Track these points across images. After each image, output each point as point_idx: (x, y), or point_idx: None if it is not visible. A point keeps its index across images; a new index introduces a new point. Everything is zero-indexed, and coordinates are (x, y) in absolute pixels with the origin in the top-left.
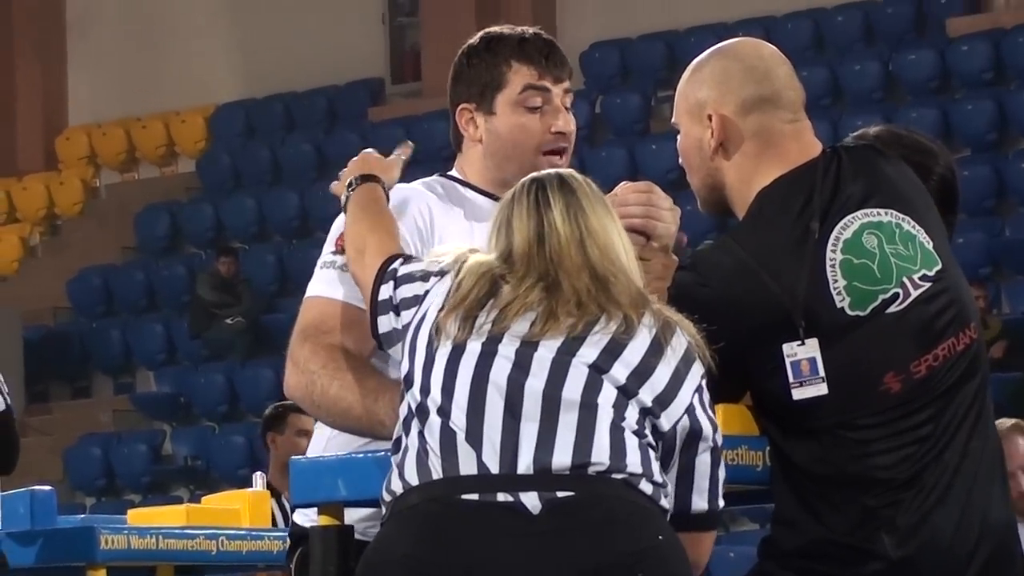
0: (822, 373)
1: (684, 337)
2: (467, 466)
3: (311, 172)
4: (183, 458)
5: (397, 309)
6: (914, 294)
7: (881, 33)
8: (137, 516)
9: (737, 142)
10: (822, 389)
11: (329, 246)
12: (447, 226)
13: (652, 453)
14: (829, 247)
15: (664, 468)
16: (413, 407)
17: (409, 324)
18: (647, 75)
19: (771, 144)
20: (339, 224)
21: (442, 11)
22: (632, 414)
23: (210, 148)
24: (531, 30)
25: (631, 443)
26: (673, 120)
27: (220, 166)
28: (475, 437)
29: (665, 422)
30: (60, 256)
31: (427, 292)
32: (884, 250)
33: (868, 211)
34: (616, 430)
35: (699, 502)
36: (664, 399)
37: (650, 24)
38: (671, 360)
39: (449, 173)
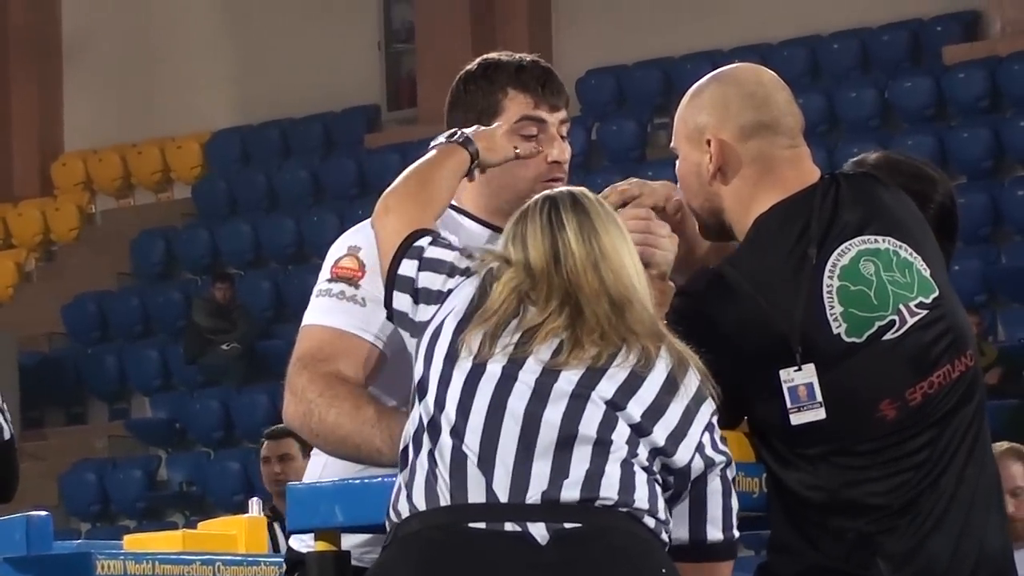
0: (819, 398)
1: (696, 376)
2: (476, 493)
3: (307, 198)
4: (178, 484)
5: (416, 296)
6: (910, 321)
7: (877, 60)
8: (133, 542)
9: (735, 167)
10: (820, 414)
11: (325, 273)
12: None
13: (659, 490)
14: (826, 273)
15: (675, 502)
16: (425, 420)
17: (427, 323)
18: (643, 102)
19: (769, 170)
20: (335, 251)
21: (438, 38)
22: (643, 451)
23: (206, 174)
24: (529, 57)
25: (640, 479)
26: (672, 144)
27: (216, 192)
28: (487, 464)
29: (677, 460)
30: (55, 282)
31: (450, 291)
32: (881, 277)
33: (866, 238)
34: (627, 466)
35: (714, 532)
36: (676, 437)
37: (646, 51)
38: (683, 399)
39: None
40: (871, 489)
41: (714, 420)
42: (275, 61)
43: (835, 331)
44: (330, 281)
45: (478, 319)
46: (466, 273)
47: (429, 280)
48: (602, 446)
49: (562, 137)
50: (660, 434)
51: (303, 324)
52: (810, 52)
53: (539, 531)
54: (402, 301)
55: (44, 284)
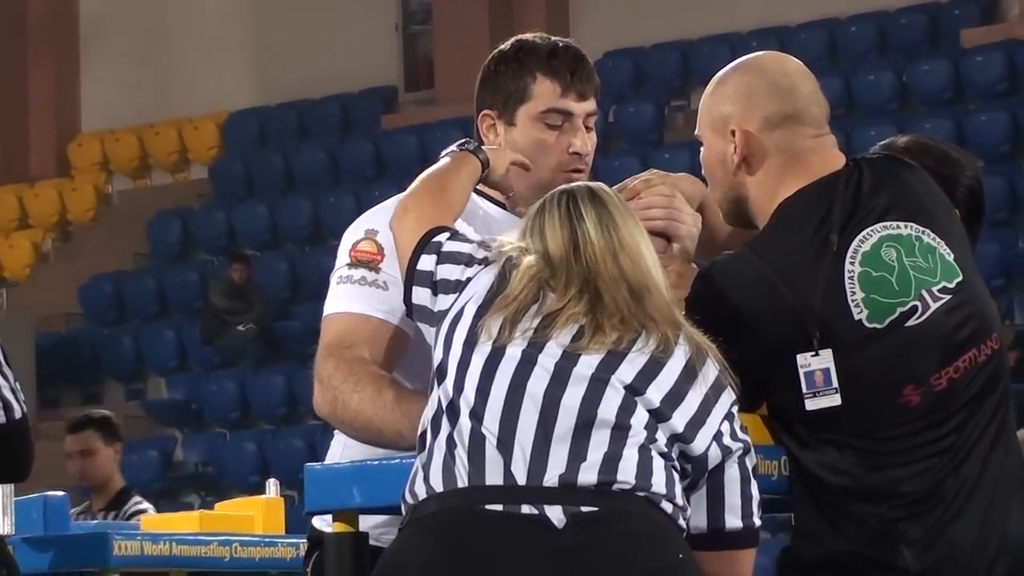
0: (836, 384)
1: (714, 365)
2: (493, 475)
3: (324, 179)
4: (194, 465)
5: (435, 288)
6: (933, 307)
7: (895, 44)
8: (150, 522)
9: (760, 158)
10: (836, 400)
11: (344, 258)
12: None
13: (676, 476)
14: (848, 259)
15: (693, 489)
16: (443, 403)
17: (446, 311)
18: (660, 84)
19: (795, 159)
20: (352, 235)
21: (455, 19)
22: (661, 437)
23: (223, 155)
24: (564, 42)
25: (657, 464)
26: (696, 132)
27: (233, 173)
28: (506, 446)
29: (695, 447)
30: (72, 262)
31: (468, 280)
32: (903, 263)
33: (888, 224)
34: (644, 451)
35: (732, 520)
36: (695, 424)
37: (663, 34)
38: (702, 387)
39: None
40: (895, 475)
41: (734, 409)
42: (292, 42)
43: (856, 317)
44: (350, 267)
45: (498, 305)
46: (484, 262)
47: (448, 271)
48: (620, 430)
49: (588, 128)
50: (679, 420)
51: (326, 313)
52: (828, 35)
53: (556, 514)
54: (421, 295)
55: (61, 265)
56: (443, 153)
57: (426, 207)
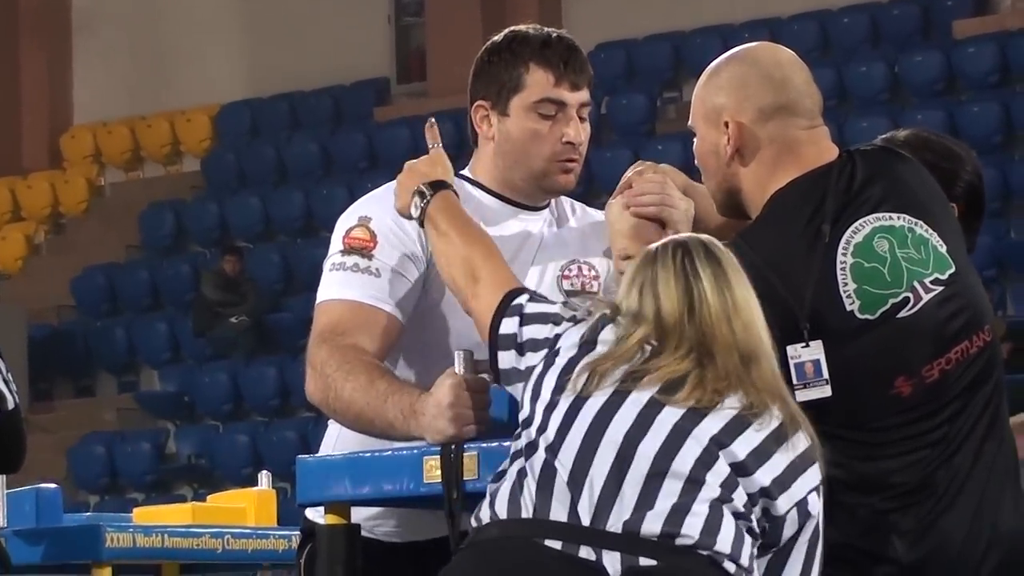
0: (826, 375)
1: (806, 438)
2: (559, 511)
3: (316, 171)
4: (187, 457)
5: (522, 348)
6: (925, 298)
7: (887, 35)
8: (143, 514)
9: (754, 149)
10: (826, 391)
11: (337, 245)
12: None
13: (746, 536)
14: (840, 250)
15: (763, 553)
16: (524, 443)
17: (534, 367)
18: (653, 76)
19: (788, 150)
20: (345, 221)
21: (448, 11)
22: (739, 496)
23: (215, 147)
24: (557, 33)
25: (727, 522)
26: (690, 123)
27: (225, 165)
28: (576, 483)
29: (781, 505)
30: (65, 255)
31: (557, 336)
32: (895, 254)
33: (880, 215)
34: (716, 506)
35: None
36: (782, 484)
37: (656, 25)
38: (789, 453)
39: (460, 172)
40: (887, 466)
41: (821, 488)
42: (285, 34)
43: (848, 308)
44: (343, 253)
45: (597, 361)
46: (573, 320)
47: (534, 331)
48: (693, 484)
49: (581, 119)
50: (766, 476)
51: (319, 300)
52: (820, 26)
53: (613, 563)
54: (507, 358)
55: (53, 257)
56: (417, 207)
57: (487, 271)
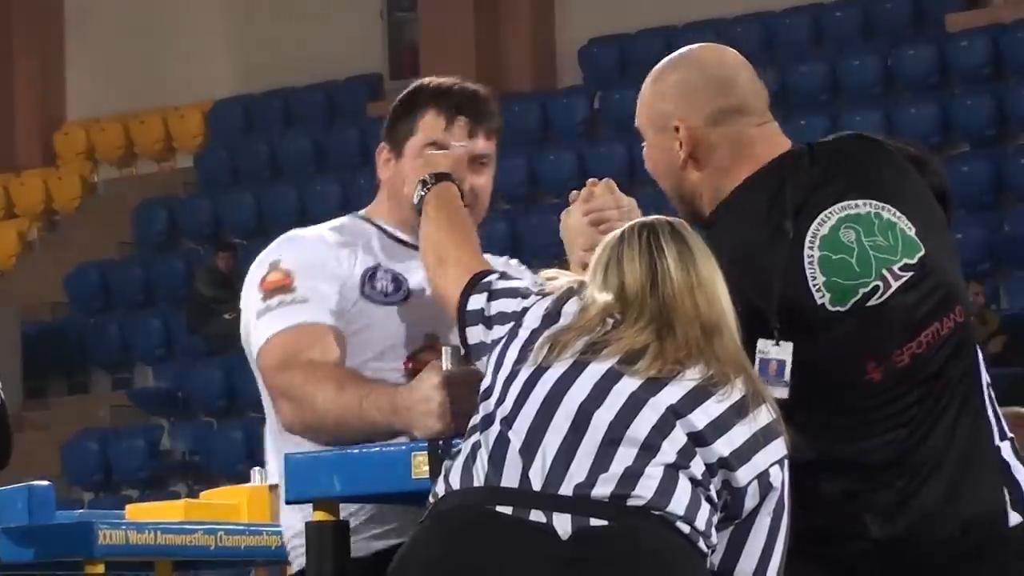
0: (787, 378)
1: (769, 412)
2: (510, 477)
3: (309, 167)
4: (181, 453)
5: (490, 322)
6: (895, 285)
7: (880, 28)
8: (136, 511)
9: (707, 152)
10: (783, 393)
11: (255, 293)
12: (354, 267)
13: (707, 505)
14: (807, 244)
15: (725, 525)
16: (481, 416)
17: (500, 339)
18: (646, 71)
19: (741, 149)
20: (256, 273)
21: (441, 6)
22: (697, 464)
23: (208, 143)
24: (466, 83)
25: (683, 486)
26: (636, 126)
27: (218, 161)
28: (529, 451)
29: (741, 477)
30: (58, 251)
31: (524, 309)
32: (863, 243)
33: (846, 204)
34: (671, 472)
35: (745, 564)
36: (741, 455)
37: (648, 20)
38: (750, 426)
39: (359, 213)
40: (860, 447)
41: (785, 461)
42: (277, 30)
43: (819, 302)
44: (265, 299)
45: (558, 332)
46: (541, 294)
47: (503, 305)
48: (648, 450)
49: (481, 165)
50: (724, 447)
51: (259, 345)
52: (813, 20)
53: (563, 524)
54: (475, 333)
55: (46, 254)
56: (417, 194)
57: (456, 255)
